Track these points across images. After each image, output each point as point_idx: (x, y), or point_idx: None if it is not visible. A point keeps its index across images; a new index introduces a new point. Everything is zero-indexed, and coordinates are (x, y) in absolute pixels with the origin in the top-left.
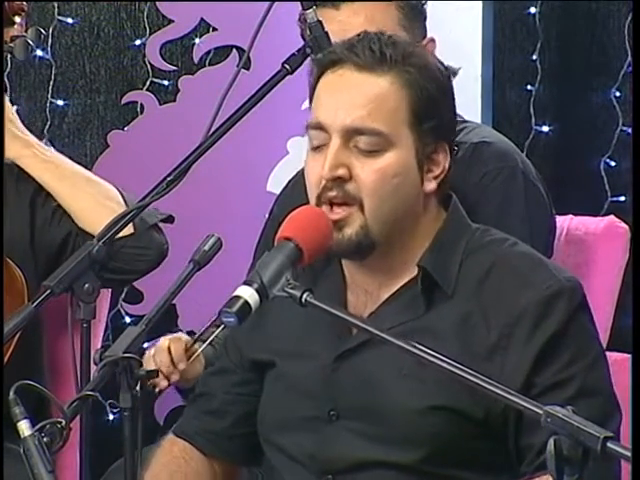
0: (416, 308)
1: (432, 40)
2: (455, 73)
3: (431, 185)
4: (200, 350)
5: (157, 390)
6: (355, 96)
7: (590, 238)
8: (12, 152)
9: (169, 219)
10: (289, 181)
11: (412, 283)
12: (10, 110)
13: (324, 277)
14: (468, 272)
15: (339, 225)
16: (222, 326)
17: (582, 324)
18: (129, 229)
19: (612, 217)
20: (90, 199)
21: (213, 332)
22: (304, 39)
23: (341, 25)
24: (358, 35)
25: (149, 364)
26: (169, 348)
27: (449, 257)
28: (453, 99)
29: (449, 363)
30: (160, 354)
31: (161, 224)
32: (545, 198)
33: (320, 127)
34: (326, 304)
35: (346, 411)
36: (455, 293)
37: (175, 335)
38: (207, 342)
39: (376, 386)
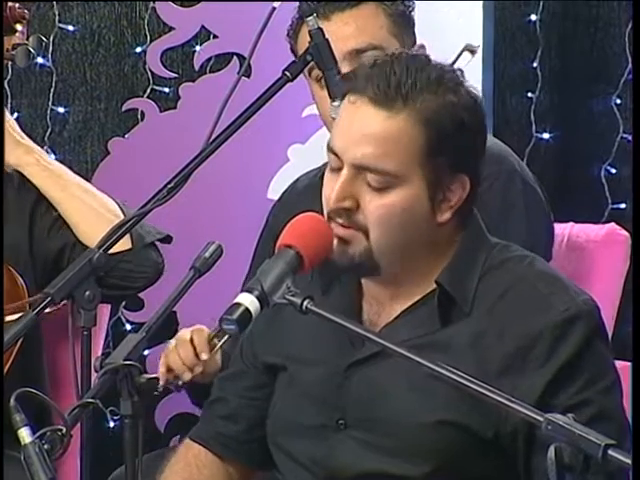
0: (432, 323)
1: (422, 47)
2: (474, 51)
3: (445, 216)
4: (222, 342)
5: (180, 383)
6: (368, 133)
7: (591, 245)
8: (14, 158)
9: (166, 239)
10: (284, 191)
11: (429, 298)
12: (9, 117)
13: (340, 283)
14: (486, 290)
15: (344, 241)
16: None
17: (598, 348)
18: (127, 244)
19: (613, 224)
20: (90, 210)
21: None
22: (294, 54)
23: (332, 36)
24: (378, 61)
25: (171, 355)
26: (192, 339)
27: (467, 274)
28: (475, 130)
29: (452, 371)
30: (183, 345)
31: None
32: (543, 201)
33: (335, 153)
34: (330, 312)
35: (354, 421)
36: (472, 310)
37: (196, 326)
38: (228, 335)
39: (385, 397)
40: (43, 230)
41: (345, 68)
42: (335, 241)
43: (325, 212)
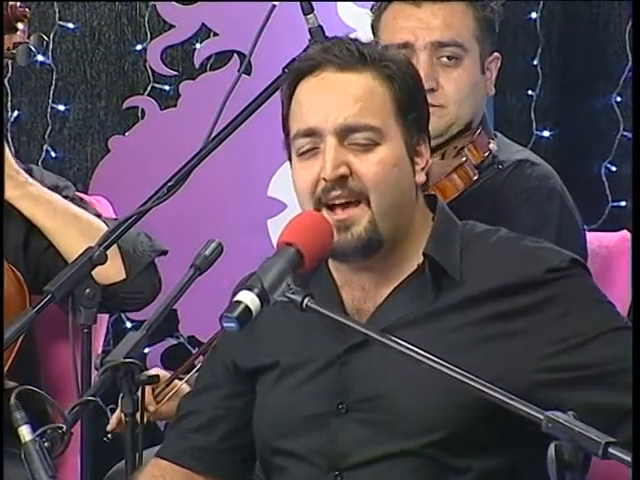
0: (424, 297)
1: (497, 58)
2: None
3: (421, 177)
4: (177, 388)
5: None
6: (343, 96)
7: (604, 252)
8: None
9: (163, 254)
10: None
11: (417, 273)
12: (7, 151)
13: (313, 282)
14: (470, 259)
15: (345, 225)
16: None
17: (596, 291)
18: (121, 274)
19: (625, 231)
20: (79, 237)
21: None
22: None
23: (419, 23)
24: (330, 39)
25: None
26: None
27: (449, 247)
28: (424, 89)
29: (454, 370)
30: None
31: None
32: (579, 227)
33: (311, 132)
34: (325, 308)
35: (355, 403)
36: (462, 279)
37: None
38: (184, 380)
39: (384, 376)
40: (40, 246)
41: (422, 58)
42: (335, 230)
43: (311, 202)
